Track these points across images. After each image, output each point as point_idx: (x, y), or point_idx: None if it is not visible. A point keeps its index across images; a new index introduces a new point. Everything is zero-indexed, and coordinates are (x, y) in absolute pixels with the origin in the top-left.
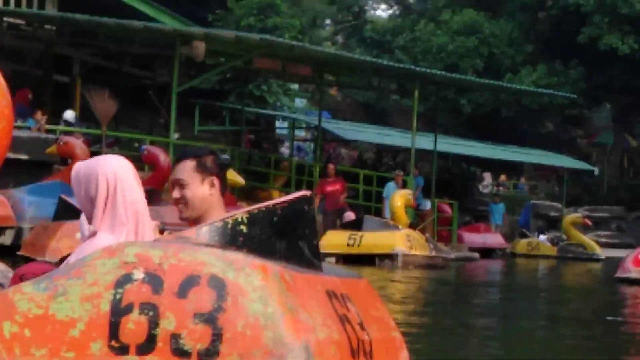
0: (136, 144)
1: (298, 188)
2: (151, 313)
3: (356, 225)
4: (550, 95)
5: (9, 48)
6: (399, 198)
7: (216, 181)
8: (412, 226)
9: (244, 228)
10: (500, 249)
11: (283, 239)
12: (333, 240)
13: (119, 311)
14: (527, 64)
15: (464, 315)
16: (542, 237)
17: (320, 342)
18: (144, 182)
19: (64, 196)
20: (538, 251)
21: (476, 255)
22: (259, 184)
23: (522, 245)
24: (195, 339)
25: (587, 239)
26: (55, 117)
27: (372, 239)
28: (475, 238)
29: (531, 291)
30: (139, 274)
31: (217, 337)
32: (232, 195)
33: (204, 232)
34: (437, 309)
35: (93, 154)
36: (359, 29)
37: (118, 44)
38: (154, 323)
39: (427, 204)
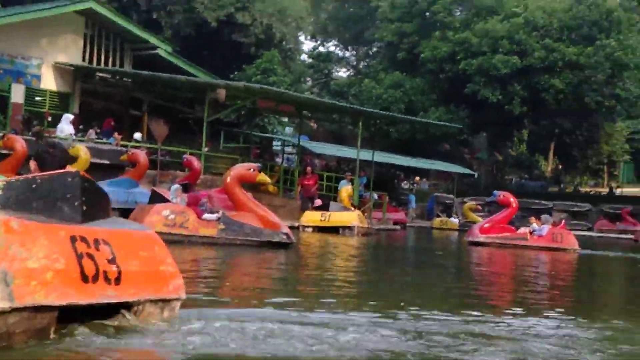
0: (182, 155)
1: (285, 184)
2: None
3: (324, 208)
4: (446, 127)
5: (101, 92)
6: (344, 191)
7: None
8: (356, 207)
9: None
10: (402, 223)
11: (41, 199)
12: (311, 217)
13: None
14: (432, 107)
15: (382, 265)
16: (453, 218)
17: (31, 269)
18: (184, 178)
19: (155, 188)
20: (447, 226)
21: (398, 227)
22: None
23: (437, 222)
24: None
25: (477, 217)
26: (129, 137)
27: (337, 217)
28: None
29: (429, 250)
30: None
31: None
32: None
33: None
34: (368, 259)
35: (152, 161)
36: (327, 84)
37: (171, 90)
38: None
39: (367, 194)
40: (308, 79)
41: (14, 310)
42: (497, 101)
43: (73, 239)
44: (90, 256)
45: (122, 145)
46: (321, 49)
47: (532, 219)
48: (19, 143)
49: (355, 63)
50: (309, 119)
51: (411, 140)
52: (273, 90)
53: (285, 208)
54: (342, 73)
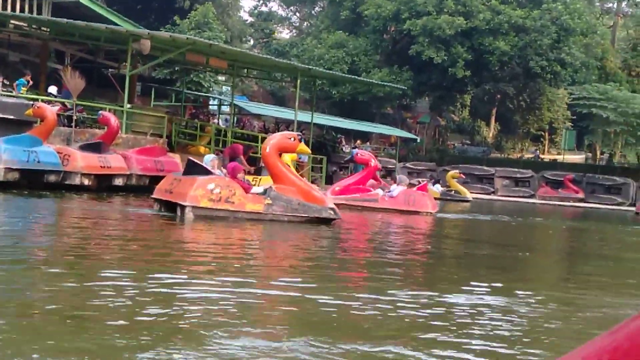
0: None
1: (216, 145)
2: None
3: (257, 173)
4: (389, 87)
5: (16, 42)
6: (287, 155)
7: None
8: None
9: None
10: None
11: None
12: None
13: None
14: (375, 68)
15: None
16: (437, 185)
17: None
18: (99, 137)
19: (191, 158)
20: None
21: None
22: (191, 141)
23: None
24: None
25: (460, 187)
26: (45, 91)
27: (267, 180)
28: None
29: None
30: None
31: None
32: (163, 147)
33: None
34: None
35: (68, 117)
36: (269, 44)
37: (93, 42)
38: None
39: (306, 158)
40: (249, 38)
41: None
42: (441, 62)
43: None
44: None
45: (32, 99)
46: (263, 8)
47: (392, 181)
48: None
49: (298, 24)
50: (246, 78)
51: (353, 102)
52: (200, 41)
53: None
54: (285, 34)
